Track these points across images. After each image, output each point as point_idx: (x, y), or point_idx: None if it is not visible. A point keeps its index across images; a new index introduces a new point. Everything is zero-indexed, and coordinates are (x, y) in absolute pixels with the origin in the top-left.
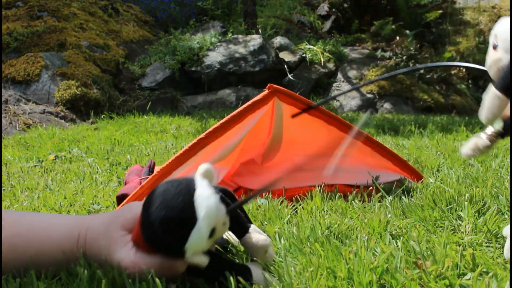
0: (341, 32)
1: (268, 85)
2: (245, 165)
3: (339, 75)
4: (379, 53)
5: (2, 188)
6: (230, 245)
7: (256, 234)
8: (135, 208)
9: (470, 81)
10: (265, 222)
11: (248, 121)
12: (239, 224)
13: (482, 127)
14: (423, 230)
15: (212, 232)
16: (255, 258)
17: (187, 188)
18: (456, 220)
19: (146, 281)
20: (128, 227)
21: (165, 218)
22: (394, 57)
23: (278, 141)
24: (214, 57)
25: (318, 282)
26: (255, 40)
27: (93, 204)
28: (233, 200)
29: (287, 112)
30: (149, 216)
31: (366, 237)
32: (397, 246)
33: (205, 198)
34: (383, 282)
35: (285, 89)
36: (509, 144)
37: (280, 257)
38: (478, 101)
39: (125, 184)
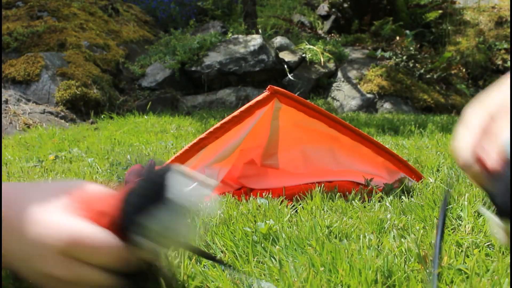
0: (341, 32)
1: (268, 86)
2: (247, 165)
3: (339, 75)
4: (379, 53)
5: None
6: None
7: None
8: (93, 187)
9: (470, 81)
10: (265, 221)
11: (248, 122)
12: None
13: None
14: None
15: None
16: None
17: None
18: (456, 220)
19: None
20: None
21: None
22: (394, 57)
23: (276, 141)
24: (214, 57)
25: (318, 282)
26: (255, 40)
27: None
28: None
29: (284, 112)
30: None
31: (367, 236)
32: (398, 245)
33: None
34: (384, 280)
35: (285, 90)
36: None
37: (282, 255)
38: None
39: (126, 184)
